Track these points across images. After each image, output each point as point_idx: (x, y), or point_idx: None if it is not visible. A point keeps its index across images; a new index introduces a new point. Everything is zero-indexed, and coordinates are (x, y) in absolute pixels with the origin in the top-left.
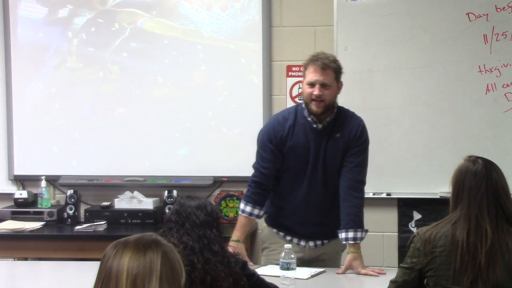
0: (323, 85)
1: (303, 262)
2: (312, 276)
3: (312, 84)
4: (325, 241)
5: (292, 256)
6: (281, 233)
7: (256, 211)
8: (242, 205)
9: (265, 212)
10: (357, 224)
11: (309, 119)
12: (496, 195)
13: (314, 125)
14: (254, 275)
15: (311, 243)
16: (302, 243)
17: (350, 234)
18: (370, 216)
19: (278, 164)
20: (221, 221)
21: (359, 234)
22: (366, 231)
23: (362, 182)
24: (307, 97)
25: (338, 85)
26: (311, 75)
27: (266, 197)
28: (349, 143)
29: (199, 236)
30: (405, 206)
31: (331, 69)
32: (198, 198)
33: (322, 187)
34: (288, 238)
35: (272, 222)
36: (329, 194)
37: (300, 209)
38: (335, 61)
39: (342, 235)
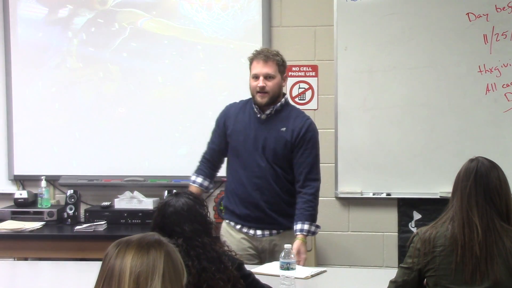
0: (266, 77)
1: (257, 252)
2: (312, 276)
3: (256, 77)
4: (274, 231)
5: (292, 256)
6: (232, 223)
7: (206, 183)
8: (193, 177)
9: (213, 187)
10: (311, 218)
11: (254, 109)
12: (486, 191)
13: (258, 115)
14: (250, 275)
15: (258, 232)
16: (251, 231)
17: (306, 227)
18: (370, 216)
19: (223, 144)
20: (209, 218)
21: (312, 228)
22: (319, 227)
23: (315, 180)
24: (253, 89)
25: (283, 77)
26: (255, 68)
27: (215, 172)
28: (294, 141)
29: (191, 246)
30: (405, 206)
31: (273, 61)
32: (180, 197)
33: (262, 172)
34: (238, 227)
35: (226, 214)
36: (271, 181)
37: (243, 189)
38: (277, 54)
39: (298, 226)
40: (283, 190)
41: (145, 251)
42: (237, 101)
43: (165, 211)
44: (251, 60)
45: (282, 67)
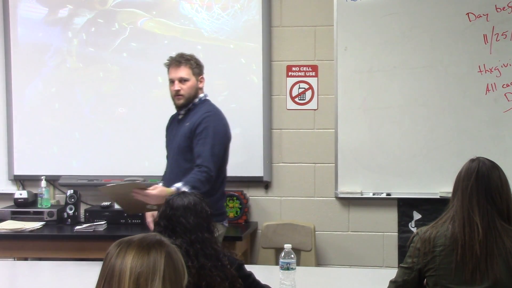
0: (181, 81)
1: None
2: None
3: (172, 81)
4: None
5: (292, 256)
6: None
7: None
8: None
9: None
10: (186, 181)
11: (176, 110)
12: (488, 190)
13: (179, 116)
14: (250, 276)
15: None
16: None
17: (179, 184)
18: (370, 216)
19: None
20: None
21: (185, 187)
22: (192, 190)
23: (204, 168)
24: (171, 93)
25: (199, 79)
26: (170, 73)
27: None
28: (191, 133)
29: (191, 240)
30: (405, 206)
31: (186, 65)
32: (187, 195)
33: (174, 166)
34: None
35: None
36: (180, 176)
37: (167, 184)
38: (191, 58)
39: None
40: None
41: (145, 252)
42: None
43: (174, 203)
44: (167, 66)
45: (197, 69)
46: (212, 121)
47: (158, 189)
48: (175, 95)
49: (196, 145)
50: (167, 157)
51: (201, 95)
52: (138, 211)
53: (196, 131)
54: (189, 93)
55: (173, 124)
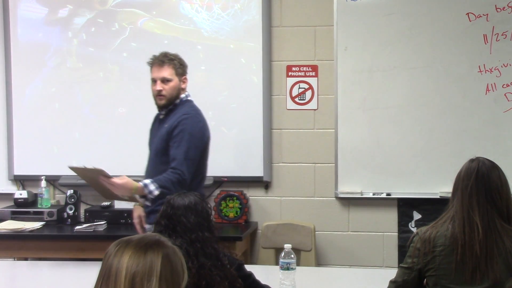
0: (163, 81)
1: None
2: None
3: (154, 81)
4: (147, 226)
5: (292, 256)
6: None
7: None
8: None
9: None
10: (156, 180)
11: (158, 110)
12: (487, 190)
13: (160, 116)
14: (250, 276)
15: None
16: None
17: (147, 181)
18: (370, 216)
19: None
20: (212, 218)
21: (151, 186)
22: (160, 189)
23: (178, 171)
24: (153, 93)
25: (182, 79)
26: (153, 73)
27: None
28: (168, 136)
29: (191, 240)
30: (405, 206)
31: (169, 65)
32: (188, 195)
33: (151, 167)
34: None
35: None
36: (156, 175)
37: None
38: (174, 58)
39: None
40: None
41: (142, 252)
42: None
43: (175, 202)
44: (150, 65)
45: (180, 70)
46: (189, 123)
47: (124, 180)
48: (157, 95)
49: (171, 148)
50: (148, 157)
51: (183, 95)
52: (112, 197)
53: (172, 133)
54: (171, 93)
55: (156, 123)
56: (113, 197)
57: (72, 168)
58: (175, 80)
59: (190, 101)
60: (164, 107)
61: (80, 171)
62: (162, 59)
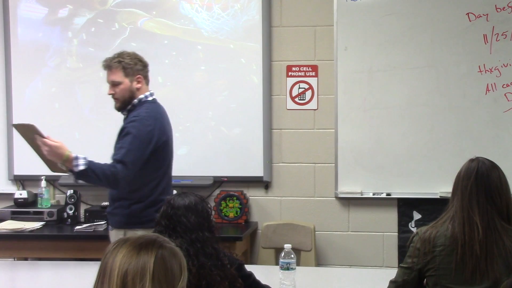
0: (113, 84)
1: None
2: None
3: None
4: (109, 227)
5: (292, 256)
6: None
7: None
8: None
9: None
10: (93, 162)
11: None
12: (487, 190)
13: (124, 117)
14: (250, 276)
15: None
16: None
17: (81, 155)
18: (370, 216)
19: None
20: (212, 218)
21: (82, 160)
22: (87, 168)
23: (119, 161)
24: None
25: (134, 78)
26: (106, 77)
27: None
28: (118, 136)
29: (191, 240)
30: (405, 206)
31: (116, 67)
32: (188, 195)
33: None
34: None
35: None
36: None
37: (111, 193)
38: (120, 60)
39: None
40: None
41: (135, 251)
42: None
43: (175, 202)
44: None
45: (130, 70)
46: (135, 126)
47: (58, 143)
48: (112, 98)
49: (115, 149)
50: None
51: (141, 96)
52: (54, 168)
53: (122, 133)
54: (123, 96)
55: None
56: (55, 167)
57: (14, 125)
58: (125, 82)
59: (147, 102)
60: (121, 109)
61: (20, 128)
62: (109, 63)
